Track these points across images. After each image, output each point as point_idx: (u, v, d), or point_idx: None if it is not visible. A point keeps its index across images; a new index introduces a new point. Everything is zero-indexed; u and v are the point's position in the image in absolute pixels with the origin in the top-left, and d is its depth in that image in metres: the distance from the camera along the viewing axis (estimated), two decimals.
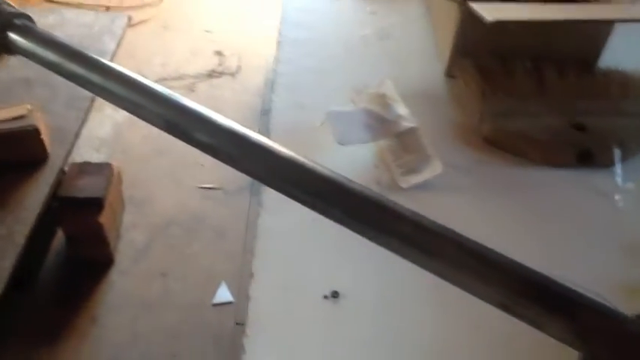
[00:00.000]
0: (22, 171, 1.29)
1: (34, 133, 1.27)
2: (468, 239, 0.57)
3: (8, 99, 1.46)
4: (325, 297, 0.79)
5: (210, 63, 2.61)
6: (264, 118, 2.49)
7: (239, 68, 2.59)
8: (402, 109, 0.98)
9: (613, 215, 0.95)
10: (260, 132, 0.56)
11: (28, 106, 1.28)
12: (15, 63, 1.56)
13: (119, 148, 2.18)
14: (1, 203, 1.22)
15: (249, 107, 2.40)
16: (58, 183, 1.40)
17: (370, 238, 0.57)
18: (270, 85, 1.12)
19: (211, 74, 2.55)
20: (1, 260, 1.13)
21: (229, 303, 1.73)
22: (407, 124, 0.96)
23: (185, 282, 1.76)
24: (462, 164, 1.01)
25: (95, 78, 0.54)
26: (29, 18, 0.62)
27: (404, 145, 0.96)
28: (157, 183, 2.06)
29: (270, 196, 0.91)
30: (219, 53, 2.68)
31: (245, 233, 1.89)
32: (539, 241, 0.72)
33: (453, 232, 0.56)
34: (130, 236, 1.87)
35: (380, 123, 0.96)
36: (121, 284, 1.73)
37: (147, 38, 2.74)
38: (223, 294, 1.75)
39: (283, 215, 0.89)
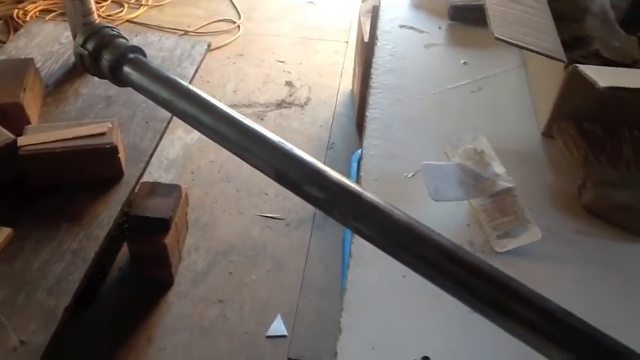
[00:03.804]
0: (96, 188, 1.31)
1: (113, 151, 1.28)
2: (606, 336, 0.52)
3: (89, 115, 1.50)
4: None
5: (281, 93, 2.64)
6: (330, 151, 2.50)
7: (308, 100, 2.61)
8: (498, 168, 0.93)
9: None
10: (327, 164, 0.53)
11: (109, 124, 1.30)
12: (99, 81, 1.60)
13: (187, 171, 2.21)
14: (75, 219, 1.24)
15: (316, 139, 2.41)
16: (129, 201, 1.42)
17: (483, 314, 0.52)
18: (364, 133, 1.09)
19: (281, 104, 2.57)
20: (71, 274, 1.14)
21: (283, 336, 1.70)
22: (504, 183, 0.91)
23: (241, 311, 1.75)
24: (560, 232, 0.95)
25: (205, 119, 0.53)
26: (142, 52, 0.62)
27: (499, 206, 0.91)
28: (221, 208, 2.07)
29: (361, 246, 0.87)
30: (289, 84, 2.70)
31: (305, 266, 1.88)
32: (637, 322, 0.66)
33: (584, 323, 0.50)
34: (191, 259, 1.87)
35: (475, 180, 0.92)
36: (179, 307, 1.73)
37: (222, 64, 2.80)
38: (278, 327, 1.73)
39: (373, 267, 0.86)
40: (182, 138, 2.34)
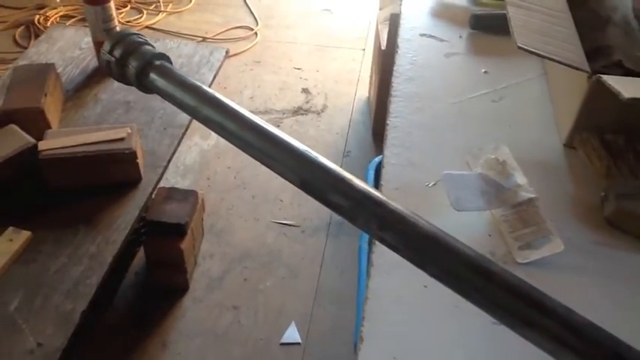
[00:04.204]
0: (114, 192, 1.32)
1: (132, 156, 1.29)
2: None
3: (108, 121, 1.51)
4: None
5: (298, 100, 2.64)
6: (346, 159, 2.49)
7: (324, 107, 2.61)
8: (520, 178, 0.93)
9: None
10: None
11: (128, 130, 1.31)
12: (118, 86, 1.62)
13: (204, 176, 2.22)
14: (94, 222, 1.25)
15: (332, 147, 2.41)
16: (146, 206, 1.43)
17: (509, 327, 0.51)
18: (385, 142, 1.09)
19: (297, 111, 2.57)
20: (88, 278, 1.15)
21: (297, 344, 1.70)
22: (526, 194, 0.91)
23: (255, 317, 1.74)
24: (582, 244, 0.94)
25: (230, 125, 0.53)
26: (168, 58, 0.62)
27: (521, 217, 0.91)
28: (237, 214, 2.07)
29: (382, 255, 0.87)
30: (306, 91, 2.70)
31: (319, 274, 1.87)
32: None
33: (613, 338, 0.50)
34: (207, 265, 1.88)
35: (497, 190, 0.91)
36: (194, 312, 1.73)
37: (239, 71, 2.81)
38: (292, 334, 1.72)
39: (395, 276, 0.85)
40: (199, 144, 2.35)
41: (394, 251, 0.49)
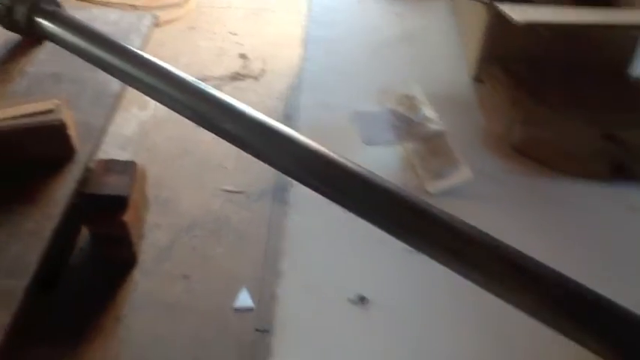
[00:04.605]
0: (49, 167, 1.28)
1: (61, 127, 1.25)
2: (514, 251, 0.54)
3: (36, 93, 1.45)
4: (352, 301, 0.77)
5: (235, 65, 2.60)
6: (286, 122, 2.49)
7: (263, 72, 2.58)
8: (429, 112, 0.96)
9: None
10: None
11: (56, 101, 1.27)
12: (45, 58, 1.56)
13: (144, 147, 2.17)
14: (30, 199, 1.21)
15: (272, 111, 2.39)
16: (84, 180, 1.39)
17: (413, 247, 0.54)
18: (297, 86, 1.10)
19: (235, 77, 2.54)
20: (28, 255, 1.12)
21: (250, 309, 1.70)
22: (435, 127, 0.93)
23: (207, 285, 1.74)
24: (491, 172, 0.98)
25: (123, 65, 0.52)
26: (58, 4, 0.60)
27: (431, 149, 0.94)
28: (181, 184, 2.04)
29: (298, 195, 0.88)
30: (243, 56, 2.66)
31: (267, 238, 1.88)
32: (568, 256, 0.69)
33: (498, 244, 0.53)
34: (154, 236, 1.85)
35: (407, 125, 0.94)
36: (145, 285, 1.71)
37: (173, 38, 2.74)
38: (245, 299, 1.72)
39: (311, 215, 0.87)
40: (137, 115, 2.30)
41: (287, 174, 0.51)
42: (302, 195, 0.86)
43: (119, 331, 1.59)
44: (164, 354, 1.57)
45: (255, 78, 2.54)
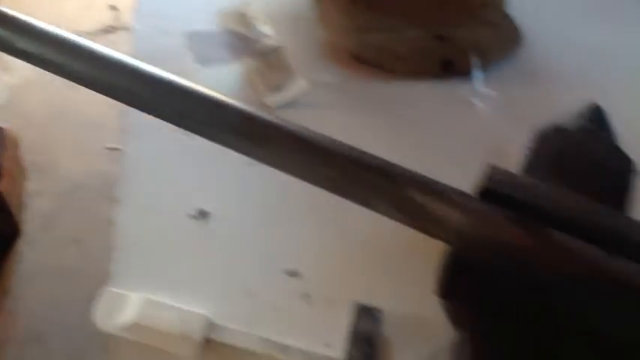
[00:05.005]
0: None
1: None
2: (293, 125, 0.60)
3: None
4: (192, 216, 0.81)
5: (105, 18, 2.48)
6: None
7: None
8: (265, 29, 0.98)
9: (475, 121, 1.01)
10: None
11: None
12: None
13: (16, 113, 2.05)
14: None
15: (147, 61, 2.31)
16: None
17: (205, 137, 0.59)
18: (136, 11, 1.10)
19: (107, 30, 2.42)
20: None
21: None
22: (271, 42, 0.96)
23: (99, 247, 1.70)
24: (330, 82, 1.04)
25: None
26: None
27: (269, 65, 0.97)
28: (60, 147, 1.96)
29: (134, 120, 0.91)
30: (113, 7, 2.54)
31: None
32: (407, 150, 0.75)
33: (281, 121, 0.59)
34: (36, 205, 1.78)
35: (243, 42, 0.96)
36: (32, 255, 1.66)
37: None
38: None
39: (146, 138, 0.90)
40: (3, 79, 2.16)
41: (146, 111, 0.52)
42: (136, 119, 0.87)
43: (7, 304, 1.55)
44: (61, 321, 1.55)
45: (128, 30, 2.44)
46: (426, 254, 0.58)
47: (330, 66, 1.08)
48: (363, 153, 0.64)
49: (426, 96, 1.08)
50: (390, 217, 0.64)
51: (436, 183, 0.63)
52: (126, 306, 0.72)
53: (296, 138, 0.63)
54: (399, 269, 0.78)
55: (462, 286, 0.54)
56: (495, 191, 0.63)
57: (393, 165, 0.64)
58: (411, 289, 0.64)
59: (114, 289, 0.75)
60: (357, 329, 0.73)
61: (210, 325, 0.72)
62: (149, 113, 0.69)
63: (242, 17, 0.98)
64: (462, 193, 0.63)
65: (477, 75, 1.08)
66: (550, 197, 0.62)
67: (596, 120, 0.84)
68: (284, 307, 0.77)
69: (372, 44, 1.04)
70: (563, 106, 0.88)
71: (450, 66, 1.07)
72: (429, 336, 0.74)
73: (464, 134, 1.01)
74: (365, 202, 0.64)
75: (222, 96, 0.66)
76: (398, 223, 0.68)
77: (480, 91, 1.06)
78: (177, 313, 0.72)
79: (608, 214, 0.65)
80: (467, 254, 0.55)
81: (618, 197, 0.73)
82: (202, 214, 0.83)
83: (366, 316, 0.74)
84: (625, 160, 0.79)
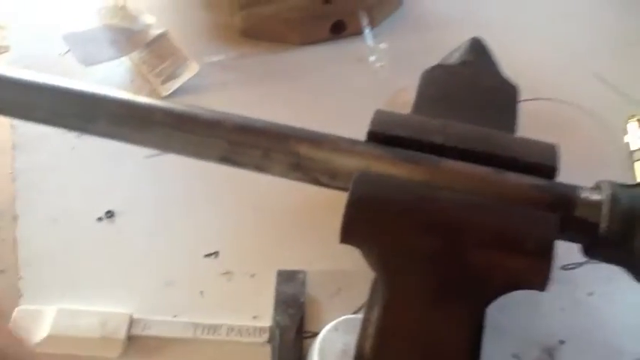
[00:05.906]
0: None
1: None
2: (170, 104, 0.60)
3: None
4: (99, 219, 0.79)
5: None
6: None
7: None
8: (147, 18, 0.96)
9: (372, 76, 1.03)
10: None
11: None
12: None
13: None
14: None
15: None
16: None
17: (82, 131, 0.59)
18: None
19: None
20: None
21: None
22: (155, 30, 0.94)
23: (11, 268, 1.63)
24: (223, 61, 1.03)
25: None
26: None
27: (157, 54, 0.95)
28: None
29: (23, 132, 0.88)
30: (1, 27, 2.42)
31: None
32: (308, 114, 0.75)
33: (159, 102, 0.59)
34: None
35: (126, 36, 0.93)
36: None
37: None
38: None
39: (37, 151, 0.87)
40: None
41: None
42: (24, 131, 0.85)
43: None
44: None
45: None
46: (333, 209, 0.59)
47: (221, 46, 1.06)
48: (249, 119, 0.64)
49: (321, 60, 1.09)
50: (287, 177, 0.64)
51: (324, 136, 0.64)
52: (41, 321, 0.70)
53: (177, 116, 0.62)
54: (314, 230, 0.79)
55: (362, 227, 0.55)
56: (383, 133, 0.64)
57: (280, 126, 0.64)
58: (328, 246, 0.65)
59: (27, 307, 0.72)
60: (281, 294, 0.73)
61: (133, 322, 0.71)
62: (24, 119, 0.67)
63: (121, 11, 0.96)
64: (350, 141, 0.64)
65: (368, 31, 1.09)
66: (434, 129, 0.64)
67: (477, 53, 0.87)
68: (207, 289, 0.76)
69: (260, 18, 1.03)
70: (453, 48, 0.91)
71: (341, 27, 1.07)
72: (352, 286, 0.75)
73: (362, 90, 1.02)
74: (259, 167, 0.64)
75: (97, 87, 0.64)
76: (306, 191, 0.68)
77: (372, 46, 1.07)
78: (96, 317, 0.70)
79: (495, 137, 0.67)
80: (363, 196, 0.55)
81: (506, 121, 0.76)
82: (109, 215, 0.80)
83: (289, 280, 0.74)
84: (509, 87, 0.82)
